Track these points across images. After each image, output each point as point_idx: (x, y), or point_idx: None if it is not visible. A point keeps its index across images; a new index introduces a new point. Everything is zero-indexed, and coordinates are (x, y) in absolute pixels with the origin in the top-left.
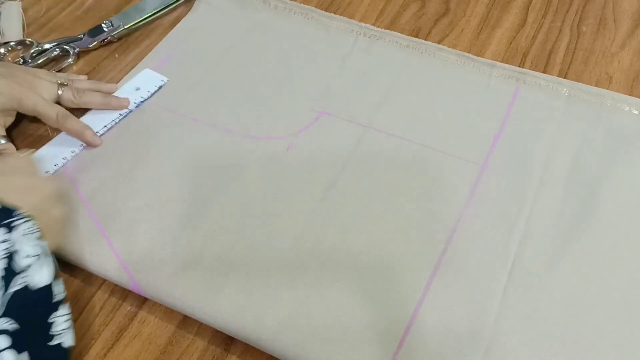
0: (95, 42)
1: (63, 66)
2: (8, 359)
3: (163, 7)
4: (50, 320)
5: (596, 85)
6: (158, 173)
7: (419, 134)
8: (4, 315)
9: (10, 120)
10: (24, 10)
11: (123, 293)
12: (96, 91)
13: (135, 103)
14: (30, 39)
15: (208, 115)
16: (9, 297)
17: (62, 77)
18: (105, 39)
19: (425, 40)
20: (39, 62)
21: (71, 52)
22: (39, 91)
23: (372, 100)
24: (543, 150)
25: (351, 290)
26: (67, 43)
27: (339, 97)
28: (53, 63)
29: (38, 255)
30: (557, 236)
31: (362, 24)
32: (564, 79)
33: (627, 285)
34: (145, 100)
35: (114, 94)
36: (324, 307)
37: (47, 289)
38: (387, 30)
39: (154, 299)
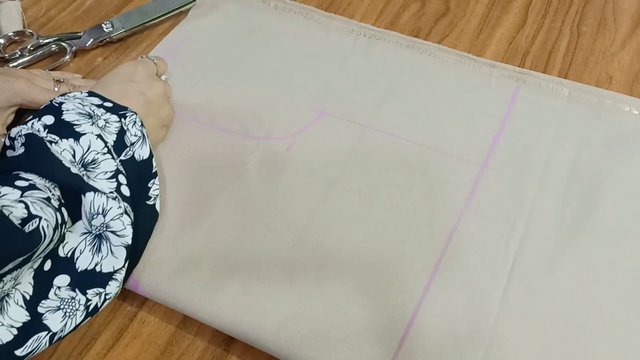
0: (93, 42)
1: (59, 63)
2: (125, 192)
3: (166, 12)
4: (149, 185)
5: (596, 86)
6: (158, 173)
7: (419, 134)
8: (121, 172)
9: (11, 117)
10: (24, 9)
11: (123, 293)
12: None
13: None
14: (30, 30)
15: (208, 115)
16: (121, 162)
17: (57, 75)
18: (104, 39)
19: (425, 40)
20: (37, 54)
21: (68, 50)
22: (37, 85)
23: (372, 100)
24: (543, 150)
25: (351, 290)
26: (66, 40)
27: (339, 97)
28: (50, 59)
29: (141, 136)
30: (557, 236)
31: (362, 24)
32: (564, 79)
33: (627, 285)
34: None
35: None
36: (324, 307)
37: (148, 161)
38: (387, 31)
39: (154, 299)
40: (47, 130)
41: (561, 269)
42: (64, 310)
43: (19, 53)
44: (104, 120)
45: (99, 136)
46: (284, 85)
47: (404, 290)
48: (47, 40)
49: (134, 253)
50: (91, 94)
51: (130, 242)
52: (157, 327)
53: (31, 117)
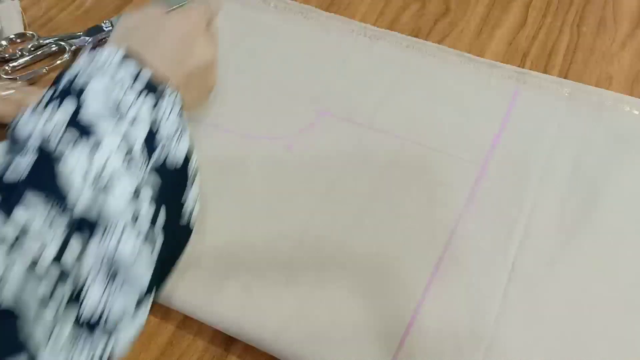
0: (93, 41)
1: (58, 62)
2: (145, 214)
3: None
4: (182, 200)
5: (596, 86)
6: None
7: (419, 134)
8: (145, 186)
9: None
10: (24, 10)
11: None
12: None
13: None
14: (31, 32)
15: (208, 115)
16: (149, 169)
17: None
18: (104, 38)
19: (425, 40)
20: (37, 54)
21: (67, 49)
22: None
23: (372, 100)
24: (543, 150)
25: (351, 290)
26: (66, 39)
27: (339, 97)
28: (50, 59)
29: (179, 129)
30: (558, 236)
31: (362, 24)
32: (564, 79)
33: (628, 285)
34: None
35: None
36: (324, 307)
37: (184, 165)
38: (387, 30)
39: (154, 299)
40: (61, 133)
41: (561, 269)
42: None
43: (19, 53)
44: (134, 114)
45: (123, 140)
46: (284, 85)
47: (404, 290)
48: (47, 41)
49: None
50: (126, 57)
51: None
52: (157, 327)
53: (48, 100)
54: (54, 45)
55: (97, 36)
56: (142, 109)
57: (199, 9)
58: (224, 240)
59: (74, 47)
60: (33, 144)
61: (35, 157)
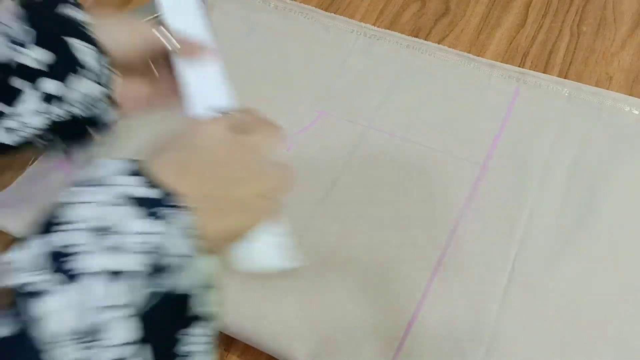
0: None
1: None
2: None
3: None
4: (178, 336)
5: (596, 86)
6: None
7: (419, 134)
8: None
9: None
10: None
11: None
12: None
13: None
14: None
15: None
16: (150, 294)
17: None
18: None
19: (425, 40)
20: None
21: None
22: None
23: (372, 100)
24: (543, 150)
25: (351, 291)
26: None
27: (339, 97)
28: None
29: (188, 256)
30: (557, 236)
31: (362, 24)
32: (564, 79)
33: (627, 285)
34: None
35: None
36: (324, 307)
37: (186, 298)
38: (387, 30)
39: None
40: (36, 272)
41: (561, 268)
42: None
43: None
44: (132, 239)
45: (112, 275)
46: (284, 85)
47: (404, 290)
48: None
49: None
50: (133, 171)
51: None
52: None
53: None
54: None
55: None
56: (149, 231)
57: (263, 141)
58: None
59: None
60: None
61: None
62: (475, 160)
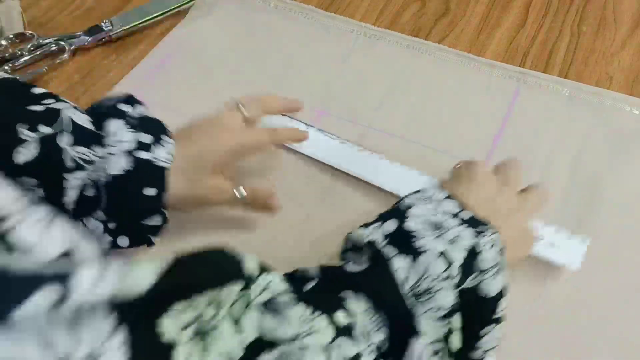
0: (92, 41)
1: (58, 62)
2: (455, 342)
3: (165, 10)
4: (480, 333)
5: (596, 85)
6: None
7: (419, 134)
8: (458, 311)
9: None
10: (24, 9)
11: None
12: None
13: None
14: (30, 32)
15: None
16: (462, 290)
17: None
18: (104, 38)
19: (425, 40)
20: (36, 54)
21: (67, 48)
22: (228, 126)
23: (372, 100)
24: (544, 150)
25: None
26: (65, 39)
27: (339, 97)
28: (49, 58)
29: (498, 265)
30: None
31: (362, 24)
32: (565, 79)
33: (628, 285)
34: None
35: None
36: None
37: (494, 301)
38: (387, 30)
39: None
40: (387, 240)
41: (562, 268)
42: None
43: (19, 53)
44: (453, 235)
45: (443, 254)
46: (284, 84)
47: None
48: (47, 40)
49: None
50: (448, 197)
51: None
52: None
53: (377, 219)
54: (53, 45)
55: (97, 35)
56: (463, 233)
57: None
58: (223, 240)
59: (73, 47)
60: (366, 248)
61: (371, 262)
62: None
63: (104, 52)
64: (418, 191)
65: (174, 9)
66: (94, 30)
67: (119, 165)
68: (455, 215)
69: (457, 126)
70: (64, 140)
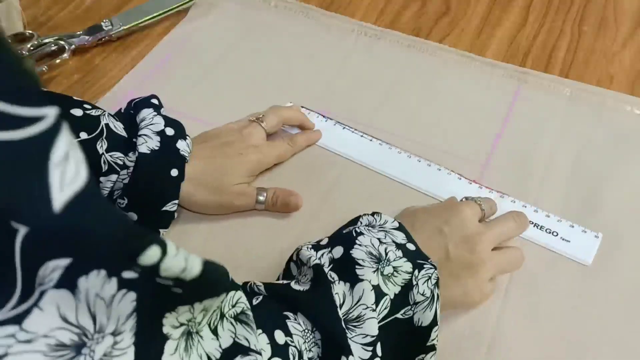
0: (92, 40)
1: (57, 61)
2: None
3: (165, 10)
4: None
5: (597, 85)
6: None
7: (419, 134)
8: (380, 341)
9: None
10: (24, 9)
11: None
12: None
13: None
14: (30, 31)
15: (208, 114)
16: (393, 320)
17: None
18: (103, 37)
19: (425, 39)
20: (36, 54)
21: (67, 48)
22: (252, 142)
23: (372, 100)
24: (544, 150)
25: None
26: (65, 38)
27: (339, 97)
28: (49, 58)
29: (430, 298)
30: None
31: (363, 24)
32: (565, 79)
33: (628, 285)
34: None
35: None
36: None
37: (426, 332)
38: (387, 30)
39: None
40: (331, 265)
41: (562, 268)
42: None
43: (19, 52)
44: (393, 267)
45: (376, 288)
46: (284, 84)
47: None
48: (46, 40)
49: None
50: (400, 227)
51: None
52: None
53: (327, 244)
54: (53, 45)
55: (97, 35)
56: (402, 267)
57: (472, 206)
58: (223, 240)
59: (73, 46)
60: (309, 268)
61: (313, 283)
62: (477, 160)
63: (104, 51)
64: (374, 213)
65: (174, 8)
66: (93, 29)
67: (150, 144)
68: (399, 247)
69: (458, 126)
70: (101, 146)
